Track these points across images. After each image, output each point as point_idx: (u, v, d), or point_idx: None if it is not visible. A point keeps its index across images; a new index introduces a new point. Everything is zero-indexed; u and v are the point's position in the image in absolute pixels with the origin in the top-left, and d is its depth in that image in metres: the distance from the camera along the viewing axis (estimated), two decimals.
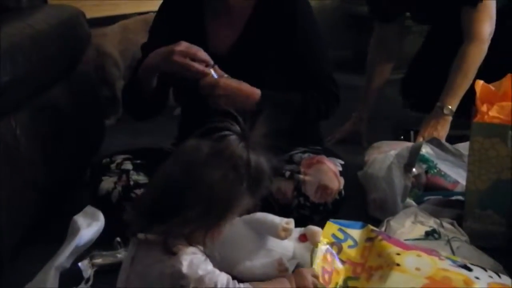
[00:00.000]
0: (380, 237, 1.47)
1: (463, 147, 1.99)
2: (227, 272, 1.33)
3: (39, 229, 1.93)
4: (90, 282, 1.68)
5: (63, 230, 1.71)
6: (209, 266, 1.27)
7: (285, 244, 1.59)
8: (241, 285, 1.30)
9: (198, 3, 1.95)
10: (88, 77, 2.43)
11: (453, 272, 1.39)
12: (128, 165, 1.92)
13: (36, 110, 1.94)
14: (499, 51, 2.28)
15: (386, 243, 1.45)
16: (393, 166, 1.93)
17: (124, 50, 2.93)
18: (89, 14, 2.52)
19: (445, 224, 1.74)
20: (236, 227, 1.59)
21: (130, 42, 2.89)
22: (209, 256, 1.31)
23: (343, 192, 1.87)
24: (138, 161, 1.93)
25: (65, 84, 2.17)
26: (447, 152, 2.04)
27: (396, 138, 2.25)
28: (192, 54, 1.78)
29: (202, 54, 1.79)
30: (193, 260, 1.25)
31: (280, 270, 1.51)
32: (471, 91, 1.91)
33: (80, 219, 1.66)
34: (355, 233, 1.49)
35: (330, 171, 1.85)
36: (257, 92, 1.83)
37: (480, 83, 1.86)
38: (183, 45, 1.78)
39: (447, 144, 2.06)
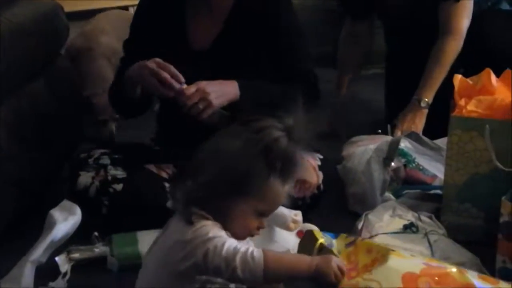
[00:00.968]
0: (360, 238, 1.47)
1: (442, 142, 2.00)
2: None
3: (16, 224, 1.91)
4: (67, 277, 1.68)
5: (40, 225, 1.70)
6: (222, 232, 1.21)
7: (288, 238, 1.62)
8: (254, 250, 1.21)
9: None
10: (67, 72, 2.41)
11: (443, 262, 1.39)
12: (106, 160, 1.91)
13: (15, 105, 1.93)
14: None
15: (369, 241, 1.45)
16: (372, 160, 1.94)
17: None
18: (68, 8, 2.50)
19: (423, 217, 1.75)
20: None
21: None
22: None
23: (322, 186, 1.87)
24: (116, 156, 1.92)
25: (44, 79, 2.15)
26: (426, 146, 2.05)
27: (374, 132, 2.25)
28: (161, 74, 1.74)
29: (173, 71, 1.76)
30: (207, 228, 1.20)
31: None
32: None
33: (56, 213, 1.65)
34: (334, 242, 1.49)
35: (309, 166, 1.85)
36: (234, 82, 1.82)
37: (458, 77, 1.86)
38: (154, 62, 1.75)
39: (425, 138, 2.07)
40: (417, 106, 2.23)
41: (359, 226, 1.73)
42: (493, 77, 1.82)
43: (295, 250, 1.56)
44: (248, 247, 1.19)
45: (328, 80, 2.49)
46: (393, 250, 1.34)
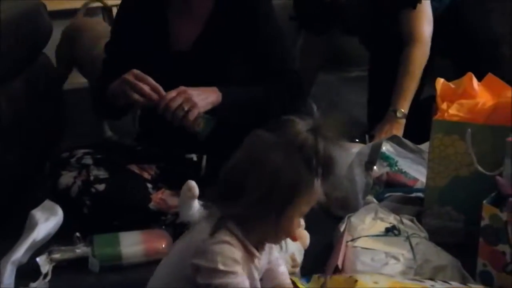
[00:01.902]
0: (329, 276, 1.46)
1: (424, 146, 2.01)
2: None
3: None
4: (48, 278, 1.66)
5: (21, 225, 1.69)
6: (236, 267, 1.20)
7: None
8: None
9: (160, 1, 1.94)
10: (48, 69, 2.39)
11: (409, 283, 1.40)
12: (88, 160, 1.90)
13: None
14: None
15: (336, 276, 1.45)
16: (354, 164, 1.94)
17: None
18: (51, 7, 2.49)
19: (405, 220, 1.75)
20: None
21: None
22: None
23: None
24: (99, 156, 1.91)
25: (25, 76, 2.14)
26: (407, 150, 2.06)
27: (351, 140, 2.25)
28: (139, 87, 1.74)
29: (152, 83, 1.75)
30: (223, 248, 1.19)
31: (293, 266, 1.53)
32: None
33: (38, 213, 1.64)
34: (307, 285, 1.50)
35: None
36: (215, 88, 1.81)
37: (440, 81, 1.87)
38: (133, 75, 1.75)
39: (407, 142, 2.08)
40: (394, 117, 2.24)
41: (342, 229, 1.73)
42: (474, 81, 1.83)
43: (297, 254, 1.59)
44: None
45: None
46: (356, 281, 1.36)
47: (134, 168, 1.94)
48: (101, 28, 2.63)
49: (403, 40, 2.30)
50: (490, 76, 1.86)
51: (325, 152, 1.19)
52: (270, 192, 1.18)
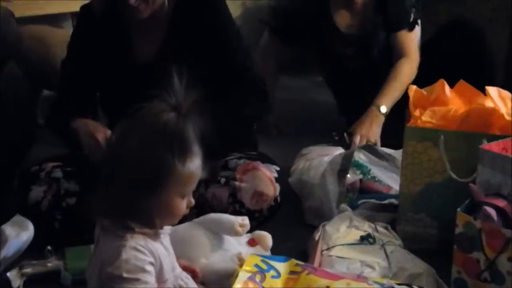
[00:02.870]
0: (306, 271, 1.45)
1: (397, 153, 2.02)
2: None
3: None
4: None
5: None
6: (139, 274, 1.20)
7: (239, 248, 1.61)
8: None
9: (117, 16, 1.91)
10: (17, 79, 2.34)
11: None
12: (58, 173, 1.86)
13: None
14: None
15: (313, 276, 1.44)
16: (327, 173, 1.94)
17: None
18: (18, 13, 2.44)
19: (379, 228, 1.75)
20: (191, 228, 1.62)
21: None
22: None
23: (279, 198, 1.87)
24: (69, 169, 1.88)
25: None
26: (380, 158, 2.07)
27: (330, 140, 2.26)
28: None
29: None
30: (134, 256, 1.20)
31: (241, 265, 1.50)
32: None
33: (8, 228, 1.61)
34: (279, 265, 1.48)
35: (266, 178, 1.85)
36: None
37: (413, 88, 1.88)
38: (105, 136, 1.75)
39: (380, 149, 2.09)
40: (375, 112, 2.28)
41: (316, 237, 1.72)
42: (447, 87, 1.84)
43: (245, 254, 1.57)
44: None
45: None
46: None
47: None
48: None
49: (394, 57, 2.41)
50: (462, 83, 1.87)
51: (177, 130, 1.20)
52: (131, 180, 1.19)
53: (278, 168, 1.93)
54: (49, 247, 1.74)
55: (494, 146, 1.63)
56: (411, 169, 1.79)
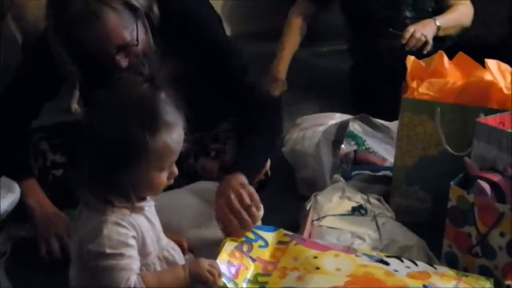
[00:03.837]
0: (294, 241, 1.45)
1: (393, 124, 1.99)
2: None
3: None
4: (6, 255, 1.62)
5: None
6: (122, 249, 1.19)
7: None
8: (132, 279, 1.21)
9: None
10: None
11: (372, 266, 1.38)
12: (44, 145, 1.82)
13: None
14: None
15: (301, 247, 1.43)
16: (321, 143, 1.92)
17: None
18: None
19: (372, 200, 1.74)
20: (180, 195, 1.61)
21: None
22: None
23: (269, 172, 1.84)
24: (56, 141, 1.83)
25: None
26: (375, 129, 2.04)
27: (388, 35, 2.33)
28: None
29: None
30: (116, 231, 1.19)
31: None
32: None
33: None
34: (266, 235, 1.47)
35: None
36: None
37: (411, 58, 1.85)
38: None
39: (375, 120, 2.06)
40: (432, 21, 2.33)
41: (308, 207, 1.71)
42: (445, 59, 1.82)
43: None
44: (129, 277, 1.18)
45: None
46: (317, 268, 1.36)
47: None
48: None
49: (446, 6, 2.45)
50: (461, 55, 1.84)
51: (147, 102, 1.18)
52: (105, 153, 1.18)
53: None
54: None
55: (491, 120, 1.61)
56: (406, 142, 1.77)
